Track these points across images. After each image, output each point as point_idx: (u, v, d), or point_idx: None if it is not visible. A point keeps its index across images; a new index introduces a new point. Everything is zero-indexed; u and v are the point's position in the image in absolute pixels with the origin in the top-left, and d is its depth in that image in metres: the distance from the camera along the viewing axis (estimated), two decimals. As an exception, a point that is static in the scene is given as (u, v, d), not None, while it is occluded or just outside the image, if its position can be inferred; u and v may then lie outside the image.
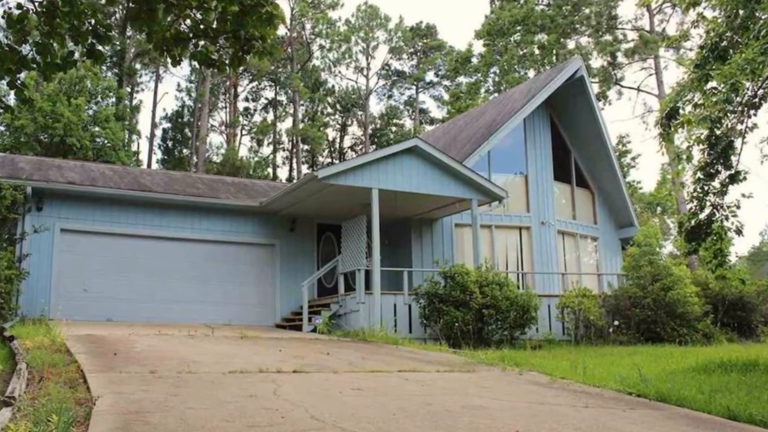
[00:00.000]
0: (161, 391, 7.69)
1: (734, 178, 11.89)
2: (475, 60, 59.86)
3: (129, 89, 55.31)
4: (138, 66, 57.37)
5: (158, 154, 61.61)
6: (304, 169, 63.34)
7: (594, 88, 39.24)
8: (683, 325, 20.84)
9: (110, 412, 6.39)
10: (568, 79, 26.96)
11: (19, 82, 7.66)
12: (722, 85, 11.12)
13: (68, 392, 7.23)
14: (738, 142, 11.82)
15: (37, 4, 7.19)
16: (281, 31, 57.55)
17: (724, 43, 11.76)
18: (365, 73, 68.82)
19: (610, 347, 18.93)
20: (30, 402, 6.67)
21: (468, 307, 18.83)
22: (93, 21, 7.25)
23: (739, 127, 11.77)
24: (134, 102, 56.44)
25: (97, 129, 41.71)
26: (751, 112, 11.58)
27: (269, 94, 68.09)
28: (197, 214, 22.71)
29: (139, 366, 9.71)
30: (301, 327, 20.95)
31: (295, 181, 47.21)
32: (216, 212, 23.00)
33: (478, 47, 59.33)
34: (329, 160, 69.24)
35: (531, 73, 53.74)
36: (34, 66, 7.47)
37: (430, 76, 70.87)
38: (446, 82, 69.61)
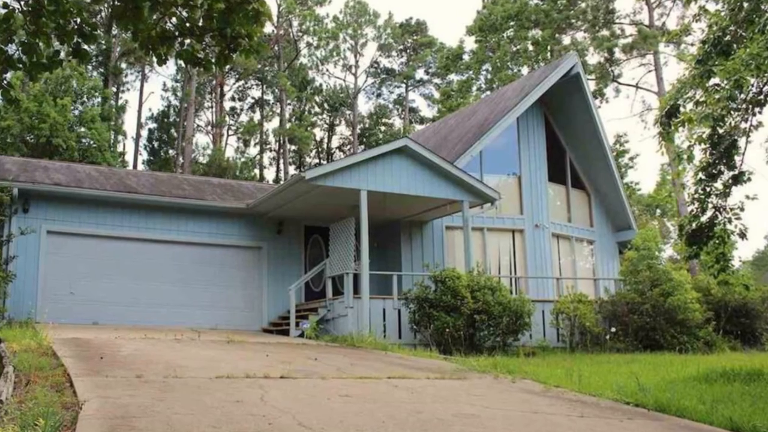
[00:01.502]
0: (147, 396, 7.81)
1: (738, 179, 11.84)
2: (466, 57, 59.93)
3: (115, 89, 55.88)
4: (124, 65, 57.79)
5: (144, 155, 62.18)
6: (291, 170, 63.36)
7: (590, 85, 39.33)
8: (683, 332, 20.81)
9: (96, 417, 6.51)
10: (563, 76, 26.94)
11: (5, 82, 7.97)
12: (725, 82, 11.09)
13: (55, 396, 7.42)
14: (742, 141, 11.77)
15: (23, 3, 7.38)
16: (268, 28, 57.63)
17: (728, 37, 11.71)
18: (353, 71, 68.93)
19: (606, 355, 18.92)
20: (17, 405, 6.83)
21: (459, 313, 18.80)
22: (78, 20, 7.42)
23: (743, 125, 11.73)
24: (120, 102, 56.96)
25: (83, 129, 42.50)
26: (756, 109, 11.53)
27: (256, 93, 68.28)
28: (183, 215, 22.84)
29: (125, 370, 9.85)
30: (288, 332, 20.96)
31: (282, 182, 47.19)
32: (202, 214, 23.10)
33: (470, 44, 59.59)
34: (317, 160, 69.31)
35: (525, 71, 53.86)
36: (20, 66, 7.65)
37: (420, 73, 71.10)
38: (437, 80, 69.80)
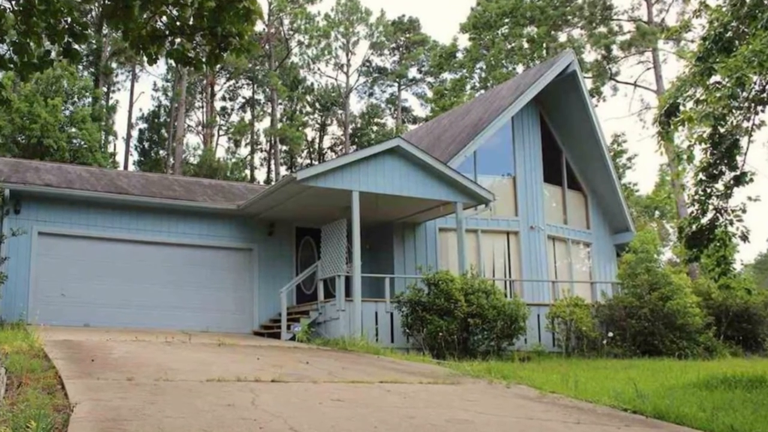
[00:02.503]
0: (138, 399, 7.93)
1: (739, 180, 11.82)
2: (460, 55, 59.99)
3: (105, 89, 56.28)
4: (114, 65, 58.09)
5: (135, 156, 62.34)
6: (283, 170, 63.37)
7: (587, 83, 39.32)
8: (683, 337, 20.78)
9: (88, 420, 6.63)
10: (559, 74, 26.87)
11: (-4, 82, 7.96)
12: (727, 80, 11.03)
13: (46, 398, 7.57)
14: (744, 141, 11.76)
15: (13, 2, 7.49)
16: (259, 27, 57.58)
17: (729, 33, 11.69)
18: (345, 70, 68.94)
19: (603, 360, 18.92)
20: (9, 408, 6.99)
21: (453, 316, 18.77)
22: (69, 19, 7.52)
23: (744, 124, 11.72)
24: (110, 102, 57.32)
25: (73, 130, 43.11)
26: (759, 108, 11.52)
27: (247, 92, 68.22)
28: (174, 217, 22.97)
29: (116, 373, 9.97)
30: (279, 335, 20.96)
31: (273, 183, 47.20)
32: (193, 215, 23.21)
33: (464, 41, 59.56)
34: (308, 161, 69.29)
35: (520, 69, 53.87)
36: (11, 66, 7.75)
37: (413, 72, 71.05)
38: (430, 79, 69.78)
